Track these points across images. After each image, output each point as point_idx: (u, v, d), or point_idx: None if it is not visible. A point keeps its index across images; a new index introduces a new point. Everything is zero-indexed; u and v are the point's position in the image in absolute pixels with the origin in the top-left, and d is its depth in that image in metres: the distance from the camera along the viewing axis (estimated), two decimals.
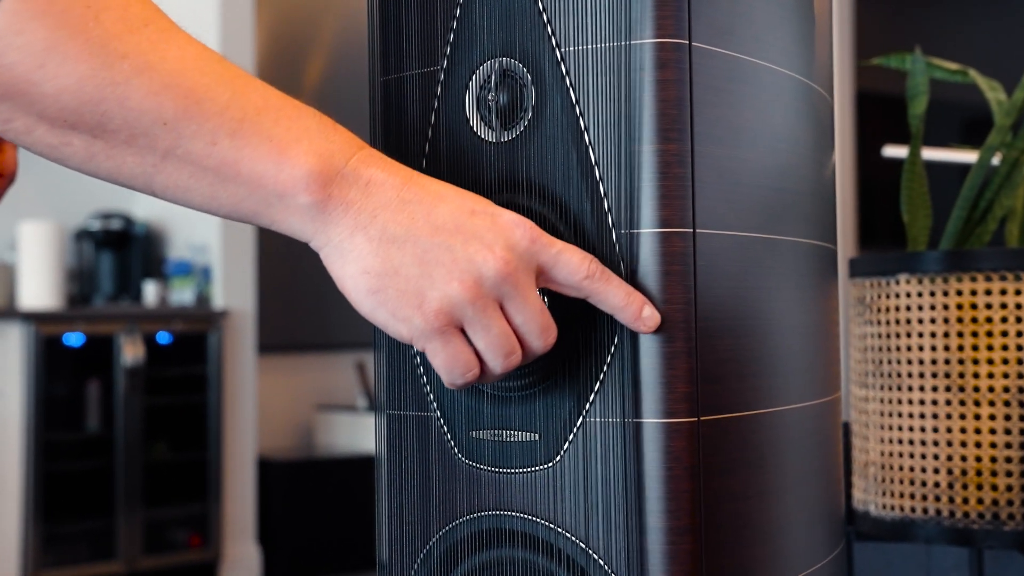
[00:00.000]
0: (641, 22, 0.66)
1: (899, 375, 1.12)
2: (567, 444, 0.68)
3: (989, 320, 1.08)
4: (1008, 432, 1.07)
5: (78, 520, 4.14)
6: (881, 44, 5.60)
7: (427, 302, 0.64)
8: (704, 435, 0.67)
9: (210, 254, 4.54)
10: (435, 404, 0.73)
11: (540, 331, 0.66)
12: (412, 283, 0.64)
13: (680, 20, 0.67)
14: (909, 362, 1.11)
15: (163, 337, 4.35)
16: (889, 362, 1.13)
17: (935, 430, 1.09)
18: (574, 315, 0.68)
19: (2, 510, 4.02)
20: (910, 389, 1.11)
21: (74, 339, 4.18)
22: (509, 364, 0.66)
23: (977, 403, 1.08)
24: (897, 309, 1.12)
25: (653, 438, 0.66)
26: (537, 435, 0.69)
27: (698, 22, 0.67)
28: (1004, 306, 1.08)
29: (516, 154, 0.70)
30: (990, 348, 1.08)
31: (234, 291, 4.52)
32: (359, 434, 4.91)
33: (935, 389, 1.10)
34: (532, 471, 0.69)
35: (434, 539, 0.73)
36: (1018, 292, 1.08)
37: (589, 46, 0.68)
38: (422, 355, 0.73)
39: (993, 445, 1.07)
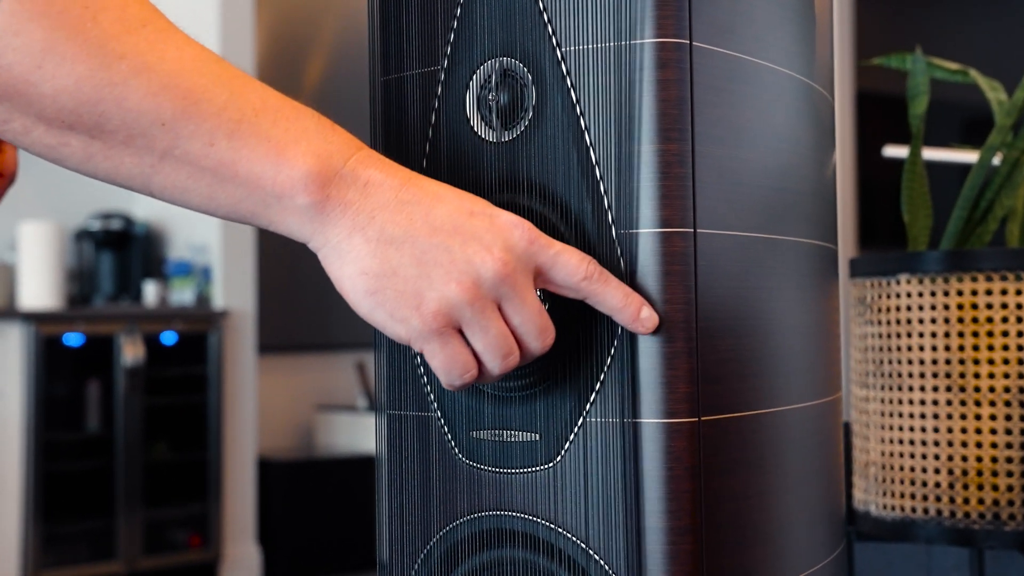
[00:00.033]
0: (642, 22, 0.66)
1: (900, 375, 1.12)
2: (568, 444, 0.68)
3: (990, 320, 1.08)
4: (1009, 432, 1.07)
5: (78, 520, 4.14)
6: (881, 44, 5.60)
7: (425, 303, 0.64)
8: (705, 435, 0.67)
9: (210, 254, 4.54)
10: (436, 404, 0.73)
11: (538, 332, 0.66)
12: (410, 284, 0.64)
13: (681, 20, 0.66)
14: (910, 362, 1.11)
15: (163, 337, 4.35)
16: (890, 362, 1.13)
17: (936, 430, 1.09)
18: (575, 315, 0.68)
19: (2, 510, 4.02)
20: (911, 389, 1.11)
21: (74, 339, 4.18)
22: (507, 365, 0.66)
23: (978, 403, 1.08)
24: (898, 309, 1.12)
25: (654, 438, 0.66)
26: (538, 435, 0.69)
27: (699, 22, 0.67)
28: (1005, 306, 1.08)
29: (517, 154, 0.70)
30: (991, 348, 1.08)
31: (234, 291, 4.52)
32: (359, 434, 4.91)
33: (936, 389, 1.10)
34: (533, 471, 0.69)
35: (434, 539, 0.73)
36: (1019, 292, 1.08)
37: (590, 46, 0.68)
38: (422, 355, 0.73)
39: (994, 445, 1.07)
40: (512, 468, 0.70)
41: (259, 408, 4.80)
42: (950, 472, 1.08)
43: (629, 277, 0.66)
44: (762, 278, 0.72)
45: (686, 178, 0.66)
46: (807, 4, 0.79)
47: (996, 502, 1.07)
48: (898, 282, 1.13)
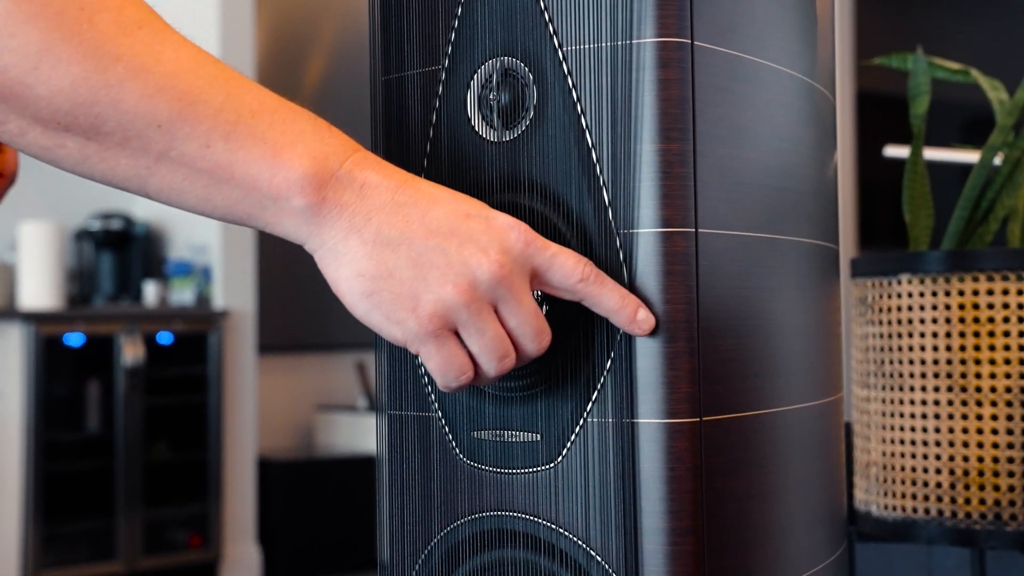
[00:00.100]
0: (643, 21, 0.66)
1: (901, 375, 1.12)
2: (569, 444, 0.68)
3: (991, 320, 1.08)
4: (1010, 432, 1.07)
5: (78, 520, 4.14)
6: (882, 44, 5.60)
7: (421, 305, 0.63)
8: (706, 435, 0.67)
9: (210, 254, 4.54)
10: (436, 404, 0.73)
11: (534, 334, 0.65)
12: (406, 286, 0.63)
13: (682, 19, 0.66)
14: (911, 362, 1.11)
15: (163, 337, 4.35)
16: (891, 362, 1.13)
17: (937, 430, 1.09)
18: (576, 315, 0.68)
19: (2, 510, 4.02)
20: (912, 389, 1.11)
21: (74, 339, 4.18)
22: (503, 367, 0.65)
23: (979, 403, 1.08)
24: (899, 309, 1.12)
25: (655, 438, 0.66)
26: (539, 435, 0.69)
27: (700, 21, 0.67)
28: (1006, 306, 1.08)
29: (517, 154, 0.70)
30: (992, 348, 1.08)
31: (234, 291, 4.52)
32: (359, 434, 4.91)
33: (937, 389, 1.09)
34: (534, 472, 0.69)
35: (435, 539, 0.73)
36: (1020, 292, 1.07)
37: (591, 45, 0.67)
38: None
39: (995, 445, 1.07)
40: (513, 468, 0.70)
41: (259, 408, 4.80)
42: (951, 472, 1.08)
43: (630, 277, 0.66)
44: (763, 278, 0.72)
45: (687, 178, 0.66)
46: (808, 4, 0.79)
47: (997, 502, 1.07)
48: (899, 282, 1.12)
